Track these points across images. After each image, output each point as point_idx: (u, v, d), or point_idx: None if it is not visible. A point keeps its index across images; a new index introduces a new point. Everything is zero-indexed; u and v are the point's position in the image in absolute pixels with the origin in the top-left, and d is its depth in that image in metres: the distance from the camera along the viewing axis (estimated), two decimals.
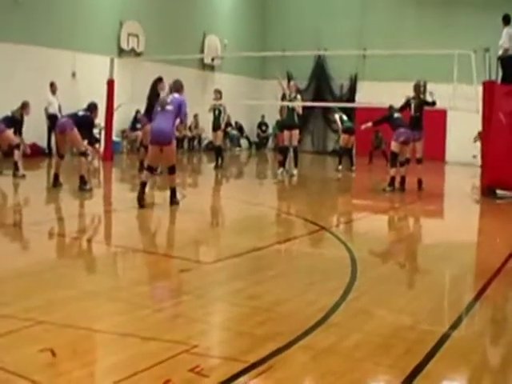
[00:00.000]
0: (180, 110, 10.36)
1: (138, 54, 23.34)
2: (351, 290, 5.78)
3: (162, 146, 10.28)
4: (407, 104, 14.55)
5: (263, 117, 30.30)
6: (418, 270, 7.31)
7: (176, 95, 10.54)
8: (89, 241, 8.07)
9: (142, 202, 10.06)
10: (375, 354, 4.28)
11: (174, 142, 10.67)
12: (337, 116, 19.78)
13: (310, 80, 29.51)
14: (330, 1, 29.52)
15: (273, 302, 5.33)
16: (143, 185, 10.18)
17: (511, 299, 6.22)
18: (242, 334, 4.57)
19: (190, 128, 25.51)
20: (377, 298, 5.71)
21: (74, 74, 20.70)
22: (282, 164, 17.01)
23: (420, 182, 14.59)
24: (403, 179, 14.33)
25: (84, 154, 11.99)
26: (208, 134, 23.44)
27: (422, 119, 14.54)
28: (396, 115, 14.47)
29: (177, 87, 10.74)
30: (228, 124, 25.50)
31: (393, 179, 14.14)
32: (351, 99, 27.95)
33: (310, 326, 4.65)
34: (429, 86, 15.05)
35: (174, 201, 10.42)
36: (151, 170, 10.56)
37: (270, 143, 30.76)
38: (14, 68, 18.34)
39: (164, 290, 5.83)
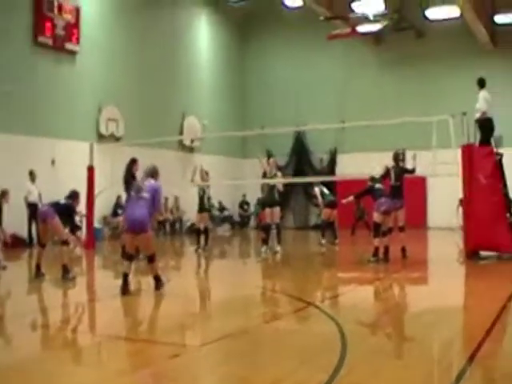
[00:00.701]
0: (155, 196, 10.24)
1: (118, 139, 23.52)
2: (343, 364, 5.69)
3: (138, 235, 10.12)
4: (387, 173, 14.67)
5: (244, 196, 30.45)
6: (407, 340, 7.22)
7: (152, 181, 10.42)
8: (73, 331, 7.93)
9: (126, 293, 9.92)
10: None
11: (151, 231, 10.45)
12: (317, 190, 19.82)
13: (289, 156, 29.84)
14: (309, 77, 30.14)
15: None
16: (125, 276, 10.04)
17: (504, 358, 6.12)
18: None
19: (171, 211, 25.52)
20: (370, 370, 5.62)
21: (53, 162, 20.78)
22: (265, 242, 16.94)
23: (404, 250, 14.64)
24: (387, 249, 14.31)
25: (66, 242, 11.90)
26: (190, 216, 23.40)
27: (402, 188, 14.66)
28: (377, 186, 14.54)
29: (152, 173, 10.62)
30: (211, 205, 25.59)
31: (376, 249, 14.14)
32: (331, 172, 28.17)
33: None
34: (408, 153, 15.14)
35: (159, 286, 10.23)
36: (131, 258, 10.37)
37: (252, 222, 30.78)
38: None
39: (152, 379, 5.67)
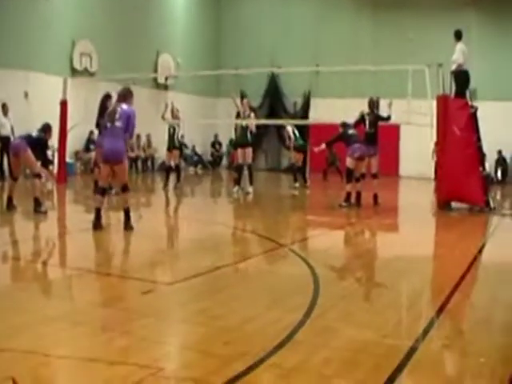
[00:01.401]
0: (128, 123, 9.94)
1: (92, 74, 23.22)
2: (315, 306, 5.75)
3: (114, 165, 10.05)
4: (362, 119, 14.67)
5: (216, 136, 30.34)
6: (378, 286, 7.28)
7: (124, 106, 10.05)
8: (44, 264, 7.92)
9: (98, 228, 9.89)
10: (344, 370, 4.26)
11: (126, 161, 10.43)
12: (289, 129, 19.74)
13: (263, 98, 29.64)
14: (285, 18, 29.82)
15: (237, 322, 5.27)
16: (98, 211, 9.97)
17: (473, 310, 6.23)
18: (208, 355, 4.49)
19: (143, 148, 25.37)
20: (341, 313, 5.68)
21: (26, 94, 20.41)
22: (238, 182, 17.01)
23: (376, 197, 14.74)
24: (359, 195, 14.42)
25: (38, 175, 11.79)
26: (162, 154, 23.28)
27: (376, 135, 14.69)
28: (350, 131, 14.52)
29: (125, 95, 10.24)
30: (182, 143, 25.46)
31: (349, 195, 14.21)
32: (305, 116, 28.08)
33: (276, 345, 4.60)
34: (382, 101, 15.10)
35: (128, 224, 10.08)
36: (103, 192, 10.34)
37: (224, 161, 30.75)
38: None
39: (126, 313, 5.64)
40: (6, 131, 18.62)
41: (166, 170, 18.37)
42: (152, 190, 20.14)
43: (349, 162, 14.31)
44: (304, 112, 28.87)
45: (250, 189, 16.87)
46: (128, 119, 9.94)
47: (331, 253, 9.16)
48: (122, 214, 10.21)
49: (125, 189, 10.20)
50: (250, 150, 16.98)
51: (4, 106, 18.93)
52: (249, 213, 14.53)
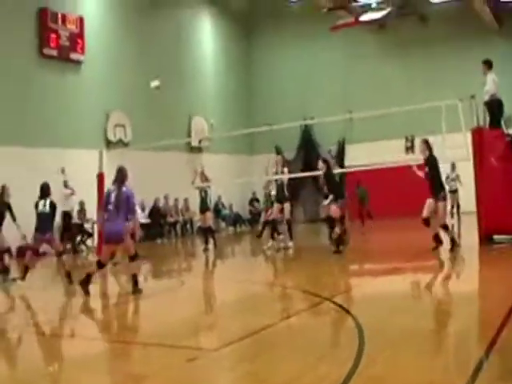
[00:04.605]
0: (128, 204, 10.50)
1: (126, 144, 23.51)
2: (362, 357, 5.64)
3: (117, 245, 10.74)
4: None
5: (254, 193, 30.26)
6: (425, 329, 7.08)
7: (123, 189, 10.58)
8: (86, 338, 7.89)
9: (82, 287, 10.39)
10: None
11: (128, 238, 10.76)
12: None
13: (298, 150, 29.70)
14: (313, 69, 30.04)
15: (286, 382, 5.20)
16: (88, 276, 10.48)
17: None
18: None
19: (181, 212, 25.48)
20: (389, 362, 5.59)
21: (63, 171, 20.63)
22: (272, 237, 17.19)
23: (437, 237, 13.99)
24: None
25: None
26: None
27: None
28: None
29: (121, 178, 10.77)
30: (217, 204, 25.61)
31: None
32: (340, 163, 27.97)
33: None
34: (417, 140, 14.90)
35: (136, 289, 10.40)
36: (101, 266, 10.81)
37: (263, 218, 30.62)
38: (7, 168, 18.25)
39: (172, 382, 5.58)
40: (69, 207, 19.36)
41: (203, 232, 18.45)
42: (192, 253, 20.13)
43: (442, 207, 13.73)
44: (340, 160, 28.79)
45: (291, 243, 16.80)
46: (127, 200, 10.51)
47: (375, 301, 9.03)
48: (157, 282, 10.32)
49: (132, 258, 10.65)
50: (286, 205, 17.04)
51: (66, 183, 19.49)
52: (289, 268, 14.43)
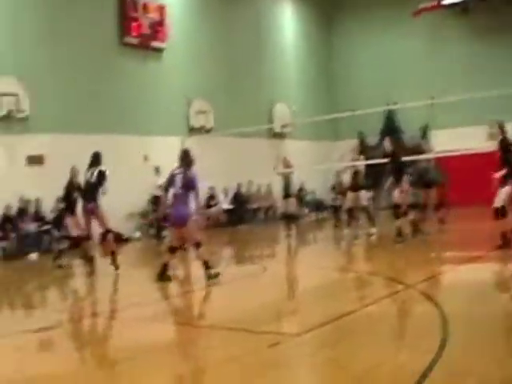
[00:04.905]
0: (194, 188, 10.53)
1: (208, 131, 23.72)
2: (445, 348, 5.57)
3: (181, 228, 10.60)
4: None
5: (341, 181, 30.05)
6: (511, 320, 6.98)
7: (189, 172, 10.64)
8: (171, 323, 8.07)
9: (161, 279, 10.56)
10: None
11: (193, 222, 10.76)
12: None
13: (381, 135, 29.35)
14: (396, 54, 29.59)
15: (366, 369, 5.20)
16: (164, 265, 10.65)
17: None
18: None
19: (264, 198, 25.57)
20: (474, 352, 5.50)
21: (145, 158, 21.01)
22: (349, 224, 17.18)
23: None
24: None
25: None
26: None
27: None
28: None
29: (188, 161, 10.80)
30: (300, 190, 25.54)
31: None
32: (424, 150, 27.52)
33: None
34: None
35: (209, 274, 10.41)
36: (173, 250, 10.86)
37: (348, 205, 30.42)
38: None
39: (253, 367, 5.63)
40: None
41: (286, 218, 18.47)
42: (274, 239, 20.23)
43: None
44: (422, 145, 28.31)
45: (374, 230, 16.67)
46: (192, 183, 10.54)
47: (459, 289, 8.88)
48: (238, 268, 10.36)
49: (197, 245, 10.59)
50: (363, 193, 17.03)
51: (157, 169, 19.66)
52: (371, 254, 14.31)
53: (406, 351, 5.68)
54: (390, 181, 15.17)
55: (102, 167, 12.75)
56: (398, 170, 14.98)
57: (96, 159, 12.81)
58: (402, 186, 14.50)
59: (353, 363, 5.42)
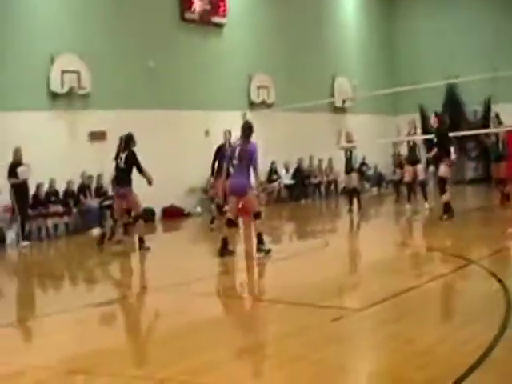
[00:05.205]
0: (252, 159, 10.50)
1: (269, 105, 23.76)
2: (508, 324, 5.56)
3: (240, 198, 10.64)
4: None
5: (399, 153, 29.83)
6: None
7: (246, 144, 10.64)
8: (232, 297, 8.21)
9: (222, 254, 10.67)
10: None
11: (252, 192, 10.86)
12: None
13: (443, 109, 28.94)
14: (458, 26, 29.01)
15: (429, 345, 5.23)
16: (224, 240, 10.73)
17: None
18: (401, 381, 4.50)
19: (325, 173, 25.53)
20: None
21: (207, 133, 21.13)
22: (408, 199, 17.37)
23: None
24: None
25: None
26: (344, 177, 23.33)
27: None
28: None
29: (248, 133, 10.76)
30: (362, 165, 25.40)
31: None
32: (487, 125, 27.07)
33: (470, 366, 4.51)
34: None
35: (260, 248, 10.52)
36: (231, 224, 10.89)
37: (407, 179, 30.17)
38: (152, 131, 18.77)
39: (316, 341, 5.68)
40: None
41: (349, 193, 18.43)
42: (336, 214, 20.23)
43: None
44: (485, 120, 27.84)
45: (427, 205, 16.60)
46: (251, 154, 10.49)
47: None
48: (300, 244, 10.40)
49: (257, 216, 10.66)
50: (419, 167, 17.09)
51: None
52: (432, 230, 14.12)
53: (470, 326, 5.68)
54: (433, 152, 15.02)
55: (131, 150, 12.45)
56: (443, 143, 14.81)
57: (127, 142, 12.51)
58: (449, 160, 14.37)
59: (415, 339, 5.45)
